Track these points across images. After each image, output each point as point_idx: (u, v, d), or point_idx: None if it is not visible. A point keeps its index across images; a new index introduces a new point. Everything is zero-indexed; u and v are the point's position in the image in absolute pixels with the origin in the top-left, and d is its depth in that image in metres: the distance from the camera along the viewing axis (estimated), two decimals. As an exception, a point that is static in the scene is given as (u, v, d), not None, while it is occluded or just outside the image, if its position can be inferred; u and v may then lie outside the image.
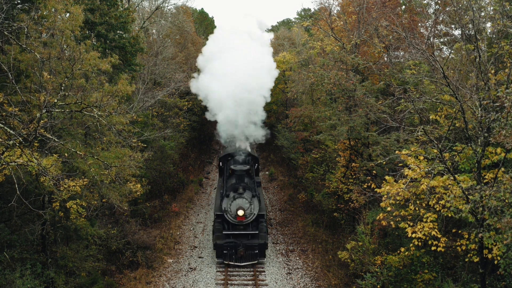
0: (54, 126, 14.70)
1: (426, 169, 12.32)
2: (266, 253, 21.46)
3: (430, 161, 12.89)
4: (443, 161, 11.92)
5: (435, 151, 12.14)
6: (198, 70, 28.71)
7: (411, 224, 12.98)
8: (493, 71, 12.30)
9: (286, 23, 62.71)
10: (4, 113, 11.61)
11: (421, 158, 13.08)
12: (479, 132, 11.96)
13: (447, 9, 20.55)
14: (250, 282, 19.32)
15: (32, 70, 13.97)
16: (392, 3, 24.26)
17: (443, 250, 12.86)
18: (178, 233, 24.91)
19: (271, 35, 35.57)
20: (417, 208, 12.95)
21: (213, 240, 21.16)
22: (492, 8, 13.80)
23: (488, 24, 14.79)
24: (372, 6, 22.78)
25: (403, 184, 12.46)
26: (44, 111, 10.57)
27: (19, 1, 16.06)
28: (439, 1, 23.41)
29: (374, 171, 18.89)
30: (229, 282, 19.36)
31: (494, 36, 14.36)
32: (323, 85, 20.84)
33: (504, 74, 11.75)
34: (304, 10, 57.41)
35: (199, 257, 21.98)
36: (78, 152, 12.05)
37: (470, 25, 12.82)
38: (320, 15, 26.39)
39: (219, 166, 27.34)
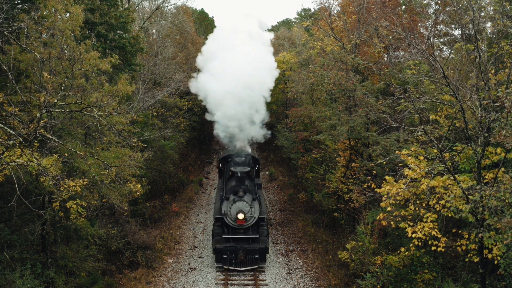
0: (54, 126, 14.70)
1: (426, 169, 12.32)
2: (266, 256, 21.03)
3: (430, 161, 12.89)
4: (443, 161, 11.92)
5: (435, 151, 12.14)
6: (198, 70, 28.69)
7: (411, 224, 12.97)
8: (493, 71, 12.30)
9: (286, 23, 62.71)
10: (4, 113, 11.61)
11: (421, 158, 13.08)
12: (479, 132, 11.96)
13: (447, 9, 20.55)
14: (250, 282, 19.32)
15: (32, 70, 13.96)
16: (392, 3, 24.25)
17: (443, 250, 12.85)
18: (178, 233, 24.91)
19: (271, 35, 35.55)
20: (417, 208, 12.95)
21: (212, 244, 20.61)
22: (492, 8, 13.80)
23: (488, 24, 14.80)
24: (372, 6, 22.77)
25: (403, 184, 12.46)
26: (44, 111, 10.57)
27: (19, 1, 16.06)
28: (439, 1, 23.41)
29: (374, 171, 18.89)
30: (229, 282, 19.36)
31: (494, 36, 14.35)
32: (323, 85, 20.84)
33: (504, 74, 11.75)
34: (304, 10, 57.44)
35: (199, 257, 21.98)
36: (78, 152, 12.05)
37: (470, 25, 12.82)
38: (320, 15, 26.40)
39: (218, 168, 27.15)
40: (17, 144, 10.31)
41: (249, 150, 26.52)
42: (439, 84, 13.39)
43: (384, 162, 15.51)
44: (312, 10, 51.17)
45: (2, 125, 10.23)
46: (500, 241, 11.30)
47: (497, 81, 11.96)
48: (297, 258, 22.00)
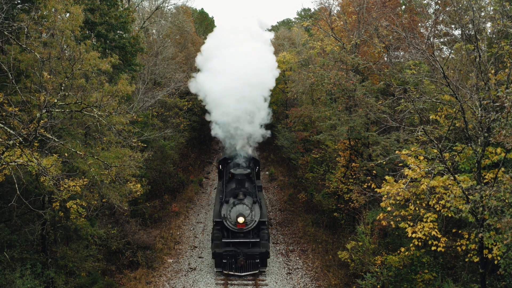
0: (54, 126, 14.70)
1: (426, 169, 12.32)
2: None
3: (430, 161, 12.89)
4: (443, 161, 11.92)
5: (435, 151, 12.14)
6: (198, 70, 28.66)
7: (411, 224, 12.97)
8: (493, 71, 12.30)
9: (286, 23, 62.68)
10: (4, 113, 11.61)
11: (421, 158, 13.08)
12: (479, 132, 11.97)
13: (447, 9, 20.55)
14: (250, 282, 19.32)
15: (32, 70, 13.96)
16: (392, 3, 24.25)
17: (443, 250, 12.85)
18: (178, 233, 24.92)
19: (271, 35, 35.51)
20: (417, 208, 12.95)
21: (211, 248, 20.05)
22: (492, 8, 13.80)
23: (488, 24, 14.79)
24: (372, 6, 22.77)
25: (403, 184, 12.46)
26: (44, 111, 10.57)
27: (19, 1, 16.06)
28: (439, 1, 23.41)
29: (374, 171, 18.89)
30: (229, 282, 19.35)
31: (494, 36, 14.35)
32: (323, 85, 20.83)
33: (504, 74, 11.75)
34: (304, 10, 57.41)
35: (199, 257, 21.98)
36: (78, 152, 12.04)
37: (470, 25, 12.82)
38: (320, 15, 26.40)
39: (218, 169, 26.91)
40: (17, 144, 10.32)
41: (249, 151, 26.30)
42: (439, 84, 13.39)
43: (384, 162, 15.51)
44: (312, 10, 51.18)
45: (2, 125, 10.23)
46: (500, 241, 11.30)
47: (497, 81, 11.96)
48: (297, 258, 22.00)
